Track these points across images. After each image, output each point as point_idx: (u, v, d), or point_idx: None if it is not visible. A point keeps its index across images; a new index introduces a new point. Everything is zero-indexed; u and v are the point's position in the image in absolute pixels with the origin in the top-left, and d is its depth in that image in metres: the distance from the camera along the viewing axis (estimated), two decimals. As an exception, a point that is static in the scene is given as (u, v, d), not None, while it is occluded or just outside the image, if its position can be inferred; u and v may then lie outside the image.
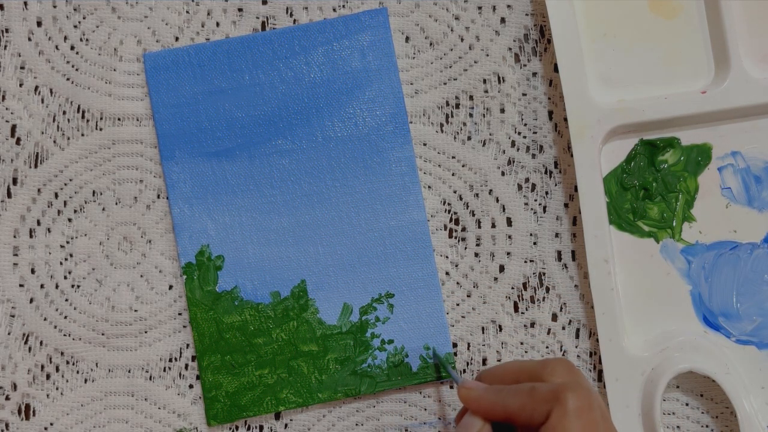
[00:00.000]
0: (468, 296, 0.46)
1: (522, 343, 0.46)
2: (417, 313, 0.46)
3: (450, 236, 0.47)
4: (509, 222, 0.47)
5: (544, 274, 0.47)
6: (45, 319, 0.46)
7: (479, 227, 0.47)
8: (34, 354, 0.46)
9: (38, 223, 0.46)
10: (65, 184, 0.46)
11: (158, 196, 0.46)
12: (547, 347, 0.46)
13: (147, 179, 0.46)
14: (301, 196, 0.46)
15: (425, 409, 0.46)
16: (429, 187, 0.47)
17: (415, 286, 0.46)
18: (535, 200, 0.47)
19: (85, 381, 0.46)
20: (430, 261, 0.46)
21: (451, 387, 0.46)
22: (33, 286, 0.46)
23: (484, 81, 0.47)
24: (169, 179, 0.46)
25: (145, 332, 0.46)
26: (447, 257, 0.46)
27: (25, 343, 0.46)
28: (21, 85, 0.47)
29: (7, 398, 0.45)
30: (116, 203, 0.46)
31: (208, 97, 0.46)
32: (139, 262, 0.46)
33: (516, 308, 0.46)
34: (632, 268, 0.46)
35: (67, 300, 0.46)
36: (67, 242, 0.46)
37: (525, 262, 0.47)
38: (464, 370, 0.46)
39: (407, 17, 0.47)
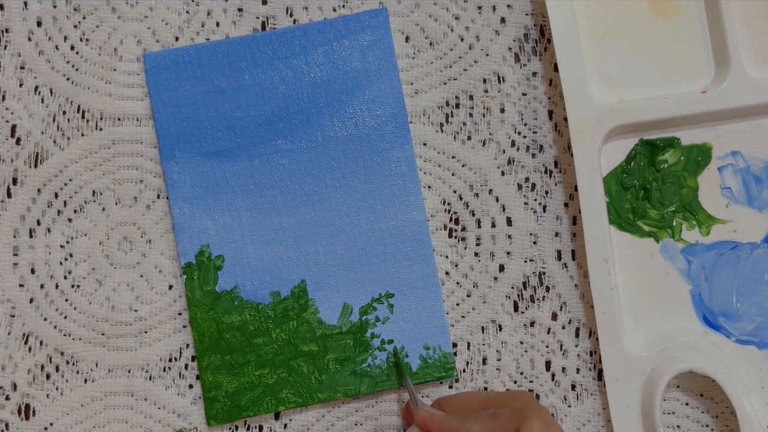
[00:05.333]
0: (468, 296, 0.46)
1: (522, 343, 0.46)
2: (417, 313, 0.46)
3: (450, 236, 0.47)
4: (509, 222, 0.47)
5: (544, 273, 0.47)
6: (45, 319, 0.46)
7: (479, 227, 0.47)
8: (34, 354, 0.46)
9: (38, 223, 0.46)
10: (65, 184, 0.46)
11: (158, 196, 0.46)
12: (547, 347, 0.46)
13: (147, 179, 0.46)
14: (301, 196, 0.46)
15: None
16: (429, 187, 0.47)
17: (415, 286, 0.46)
18: (535, 200, 0.47)
19: (85, 381, 0.46)
20: (430, 261, 0.46)
21: (451, 387, 0.46)
22: (33, 286, 0.46)
23: (484, 81, 0.47)
24: (169, 179, 0.46)
25: (145, 332, 0.46)
26: (447, 257, 0.46)
27: (25, 343, 0.46)
28: (21, 85, 0.47)
29: (7, 398, 0.45)
30: (116, 203, 0.46)
31: (208, 97, 0.46)
32: (139, 262, 0.46)
33: (516, 308, 0.46)
34: (632, 268, 0.46)
35: (67, 300, 0.46)
36: (67, 242, 0.46)
37: (525, 261, 0.47)
38: (464, 370, 0.46)
39: (407, 17, 0.47)
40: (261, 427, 0.46)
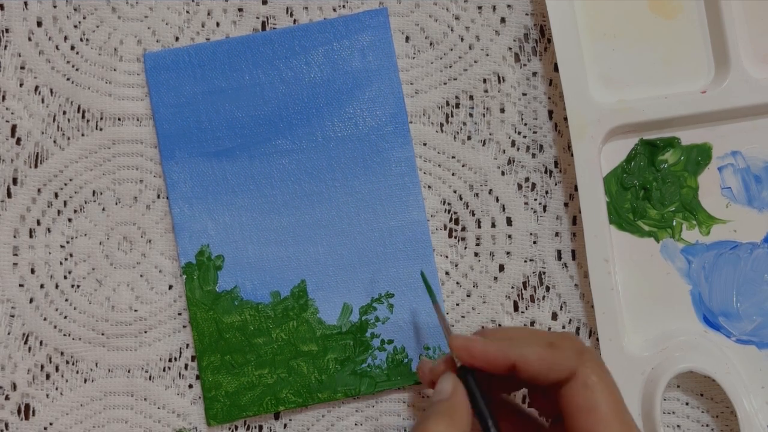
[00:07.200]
0: (468, 296, 0.46)
1: (522, 343, 0.46)
2: (417, 313, 0.46)
3: (450, 236, 0.47)
4: (509, 221, 0.47)
5: (544, 273, 0.47)
6: (45, 319, 0.46)
7: (479, 227, 0.47)
8: (34, 354, 0.46)
9: (38, 223, 0.46)
10: (65, 184, 0.46)
11: (158, 196, 0.46)
12: (547, 347, 0.46)
13: (147, 179, 0.46)
14: (301, 196, 0.46)
15: (424, 410, 0.46)
16: (429, 187, 0.47)
17: (415, 286, 0.46)
18: (535, 200, 0.47)
19: (85, 381, 0.46)
20: (430, 261, 0.46)
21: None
22: (33, 286, 0.46)
23: (484, 81, 0.47)
24: (169, 179, 0.46)
25: (145, 332, 0.46)
26: (447, 257, 0.46)
27: (25, 343, 0.46)
28: (21, 85, 0.47)
29: (7, 398, 0.45)
30: (116, 203, 0.46)
31: (208, 97, 0.46)
32: (139, 262, 0.46)
33: (516, 307, 0.46)
34: (632, 268, 0.46)
35: (67, 300, 0.46)
36: (67, 242, 0.46)
37: (525, 261, 0.47)
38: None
39: (407, 17, 0.47)
40: (261, 427, 0.46)
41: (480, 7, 0.47)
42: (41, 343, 0.46)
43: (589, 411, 0.35)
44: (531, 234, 0.47)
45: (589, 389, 0.35)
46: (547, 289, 0.47)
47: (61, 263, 0.46)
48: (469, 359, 0.37)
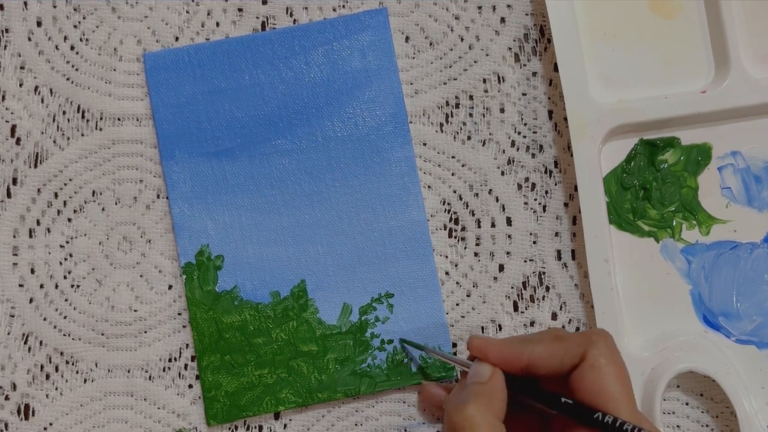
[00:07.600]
0: (468, 296, 0.46)
1: (522, 343, 0.46)
2: (417, 313, 0.46)
3: (450, 236, 0.47)
4: (509, 221, 0.47)
5: (543, 273, 0.47)
6: (44, 319, 0.46)
7: (479, 227, 0.47)
8: (34, 354, 0.46)
9: (38, 223, 0.46)
10: (65, 184, 0.46)
11: (158, 196, 0.46)
12: (547, 347, 0.46)
13: (147, 179, 0.46)
14: (301, 196, 0.46)
15: (424, 410, 0.46)
16: (429, 187, 0.47)
17: (414, 285, 0.46)
18: (535, 200, 0.47)
19: (85, 381, 0.46)
20: (430, 261, 0.46)
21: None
22: (32, 286, 0.46)
23: (484, 81, 0.47)
24: (169, 179, 0.46)
25: (145, 332, 0.46)
26: (447, 257, 0.46)
27: (25, 343, 0.46)
28: (21, 85, 0.47)
29: (7, 398, 0.45)
30: (116, 203, 0.46)
31: (208, 97, 0.46)
32: (139, 262, 0.46)
33: (516, 308, 0.46)
34: (632, 268, 0.46)
35: (66, 300, 0.46)
36: (67, 242, 0.46)
37: (525, 261, 0.47)
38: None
39: (407, 17, 0.47)
40: (261, 427, 0.46)
41: (480, 7, 0.47)
42: (41, 343, 0.46)
43: (597, 393, 0.35)
44: (531, 234, 0.47)
45: (596, 371, 0.35)
46: (547, 289, 0.47)
47: (60, 263, 0.46)
48: (486, 359, 0.37)
